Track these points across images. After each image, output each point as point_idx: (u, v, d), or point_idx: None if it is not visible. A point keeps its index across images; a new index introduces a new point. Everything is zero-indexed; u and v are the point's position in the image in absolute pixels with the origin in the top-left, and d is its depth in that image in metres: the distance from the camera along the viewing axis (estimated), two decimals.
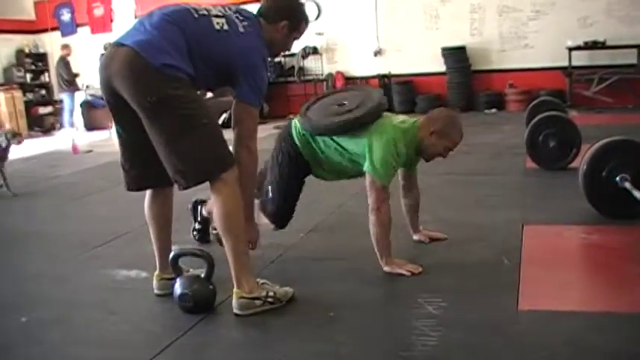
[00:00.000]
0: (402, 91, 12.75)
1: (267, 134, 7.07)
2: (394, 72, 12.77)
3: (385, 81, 12.39)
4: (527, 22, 12.52)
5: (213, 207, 3.11)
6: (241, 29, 3.11)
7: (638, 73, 11.47)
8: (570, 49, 11.75)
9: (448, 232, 4.31)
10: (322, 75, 13.31)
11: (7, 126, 7.71)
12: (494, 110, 12.35)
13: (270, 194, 3.89)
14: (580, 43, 11.80)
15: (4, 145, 6.90)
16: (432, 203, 5.15)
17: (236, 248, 3.09)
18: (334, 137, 3.71)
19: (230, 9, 3.20)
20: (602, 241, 4.04)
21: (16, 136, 7.19)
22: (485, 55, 12.76)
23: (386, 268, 3.65)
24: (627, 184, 4.20)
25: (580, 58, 11.86)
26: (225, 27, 3.06)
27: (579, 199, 4.54)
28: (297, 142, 3.80)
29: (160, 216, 3.46)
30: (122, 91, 2.96)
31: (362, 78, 13.22)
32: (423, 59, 12.78)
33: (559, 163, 6.05)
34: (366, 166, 3.60)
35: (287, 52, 12.34)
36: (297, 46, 12.93)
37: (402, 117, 3.82)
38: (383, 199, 3.63)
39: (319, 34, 13.24)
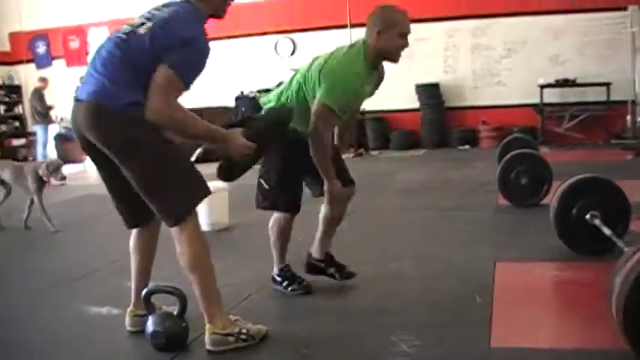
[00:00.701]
0: (375, 128, 12.87)
1: None
2: (368, 108, 12.83)
3: (359, 117, 12.46)
4: (499, 59, 12.77)
5: (183, 248, 3.07)
6: (166, 15, 2.98)
7: (608, 110, 11.67)
8: (542, 87, 11.96)
9: (422, 268, 4.35)
10: None
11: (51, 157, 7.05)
12: (467, 146, 12.50)
13: (265, 183, 3.83)
14: (551, 80, 12.03)
15: (45, 177, 6.38)
16: (407, 239, 5.22)
17: (205, 285, 3.07)
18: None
19: (156, 8, 3.07)
20: (573, 278, 4.08)
21: (58, 170, 6.45)
22: (459, 92, 12.94)
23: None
24: (597, 221, 4.24)
25: (551, 96, 12.08)
26: (150, 27, 2.94)
27: (551, 236, 4.58)
28: None
29: (144, 251, 3.44)
30: (94, 142, 2.97)
31: None
32: (397, 96, 12.85)
33: (531, 199, 6.11)
34: (318, 95, 3.54)
35: (262, 88, 12.21)
36: (272, 82, 13.02)
37: (345, 48, 3.73)
38: (326, 120, 3.55)
39: (294, 70, 13.25)
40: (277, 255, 4.01)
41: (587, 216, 4.30)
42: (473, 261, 4.49)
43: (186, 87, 2.94)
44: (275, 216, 3.92)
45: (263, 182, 3.84)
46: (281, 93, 3.82)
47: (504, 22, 12.62)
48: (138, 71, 2.91)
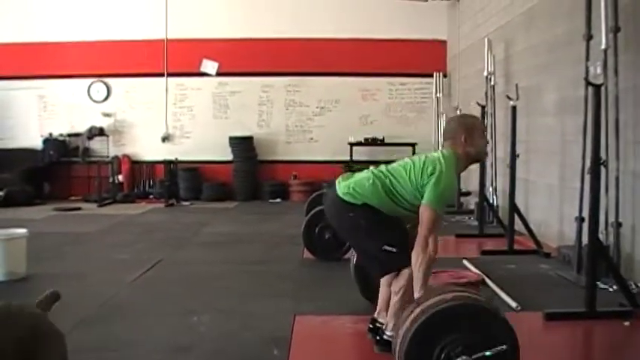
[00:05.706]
0: (188, 178, 12.73)
1: (46, 216, 6.77)
2: (181, 158, 12.76)
3: (172, 167, 12.35)
4: (312, 117, 13.15)
5: None
6: None
7: None
8: (352, 145, 12.42)
9: (221, 322, 4.36)
10: (108, 157, 12.96)
11: None
12: (278, 200, 12.68)
13: (391, 247, 3.68)
14: (361, 139, 12.53)
15: None
16: (209, 292, 5.20)
17: None
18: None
19: None
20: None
21: None
22: (272, 146, 13.15)
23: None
24: None
25: (361, 153, 12.54)
26: None
27: (350, 290, 4.72)
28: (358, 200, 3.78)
29: None
30: None
31: (148, 162, 13.09)
32: (211, 147, 12.91)
33: (334, 254, 6.23)
34: (425, 199, 3.56)
35: (72, 132, 11.72)
36: (83, 126, 12.64)
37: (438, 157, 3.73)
38: (434, 226, 3.53)
39: (107, 114, 12.96)
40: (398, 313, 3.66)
41: None
42: (273, 314, 4.55)
43: None
44: (403, 278, 3.67)
45: (389, 248, 3.68)
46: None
47: (318, 80, 13.05)
48: None
